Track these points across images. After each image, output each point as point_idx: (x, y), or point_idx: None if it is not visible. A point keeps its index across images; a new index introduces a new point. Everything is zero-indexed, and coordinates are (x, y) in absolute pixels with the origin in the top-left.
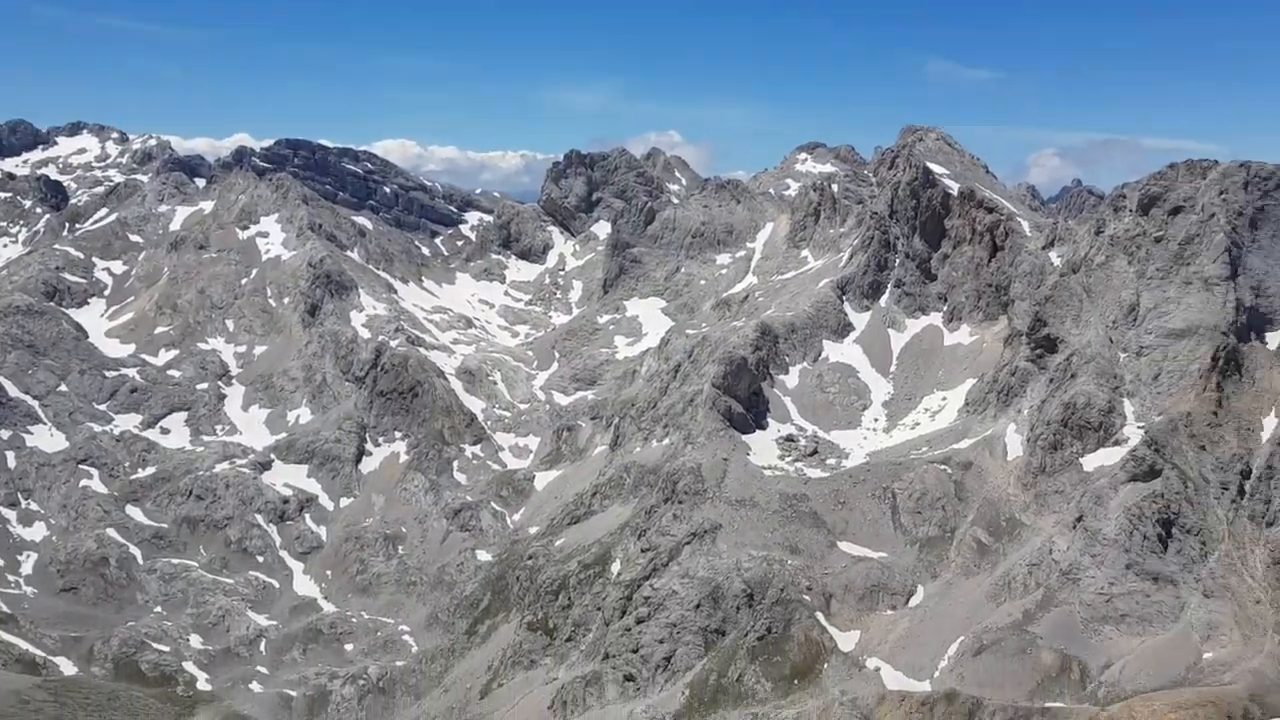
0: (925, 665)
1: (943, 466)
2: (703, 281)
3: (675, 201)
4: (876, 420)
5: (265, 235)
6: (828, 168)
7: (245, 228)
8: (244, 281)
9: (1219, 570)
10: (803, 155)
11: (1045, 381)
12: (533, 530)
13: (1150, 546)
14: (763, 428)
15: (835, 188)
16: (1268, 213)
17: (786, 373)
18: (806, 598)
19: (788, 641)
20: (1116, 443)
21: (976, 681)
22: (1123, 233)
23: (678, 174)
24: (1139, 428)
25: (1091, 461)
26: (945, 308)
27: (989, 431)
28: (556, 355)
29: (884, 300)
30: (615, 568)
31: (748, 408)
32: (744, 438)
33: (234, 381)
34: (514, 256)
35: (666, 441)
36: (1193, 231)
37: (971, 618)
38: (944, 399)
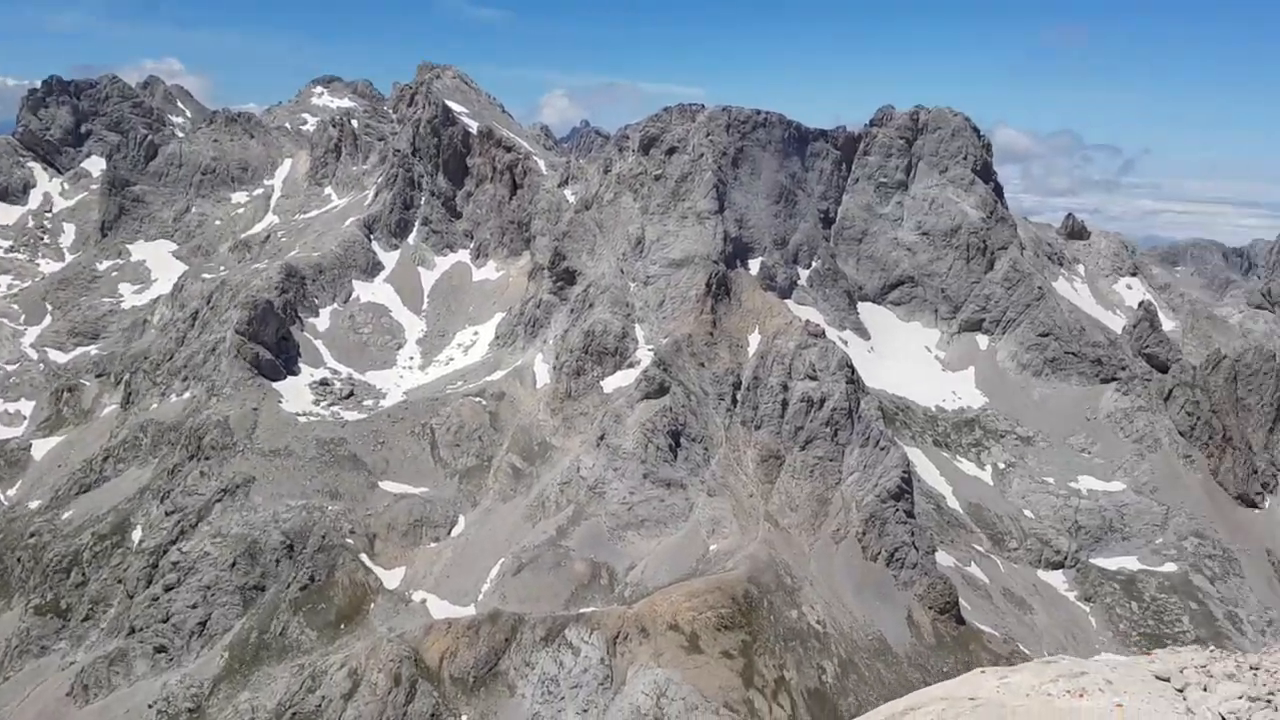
0: (470, 590)
1: (478, 399)
2: (218, 222)
3: (180, 135)
4: (412, 358)
5: None
6: (346, 103)
7: None
8: None
9: (719, 471)
10: (319, 89)
11: (567, 312)
12: (34, 505)
13: (663, 456)
14: (294, 373)
15: (355, 124)
16: (746, 153)
17: (317, 315)
18: (350, 541)
19: (332, 588)
20: (631, 365)
21: (518, 599)
22: (627, 171)
23: (181, 105)
24: (649, 350)
25: (611, 383)
26: (472, 244)
27: (519, 362)
28: (49, 308)
29: (412, 238)
30: (137, 535)
31: (277, 353)
32: (274, 385)
33: None
34: None
35: (188, 395)
36: (686, 170)
37: (511, 539)
38: (476, 333)
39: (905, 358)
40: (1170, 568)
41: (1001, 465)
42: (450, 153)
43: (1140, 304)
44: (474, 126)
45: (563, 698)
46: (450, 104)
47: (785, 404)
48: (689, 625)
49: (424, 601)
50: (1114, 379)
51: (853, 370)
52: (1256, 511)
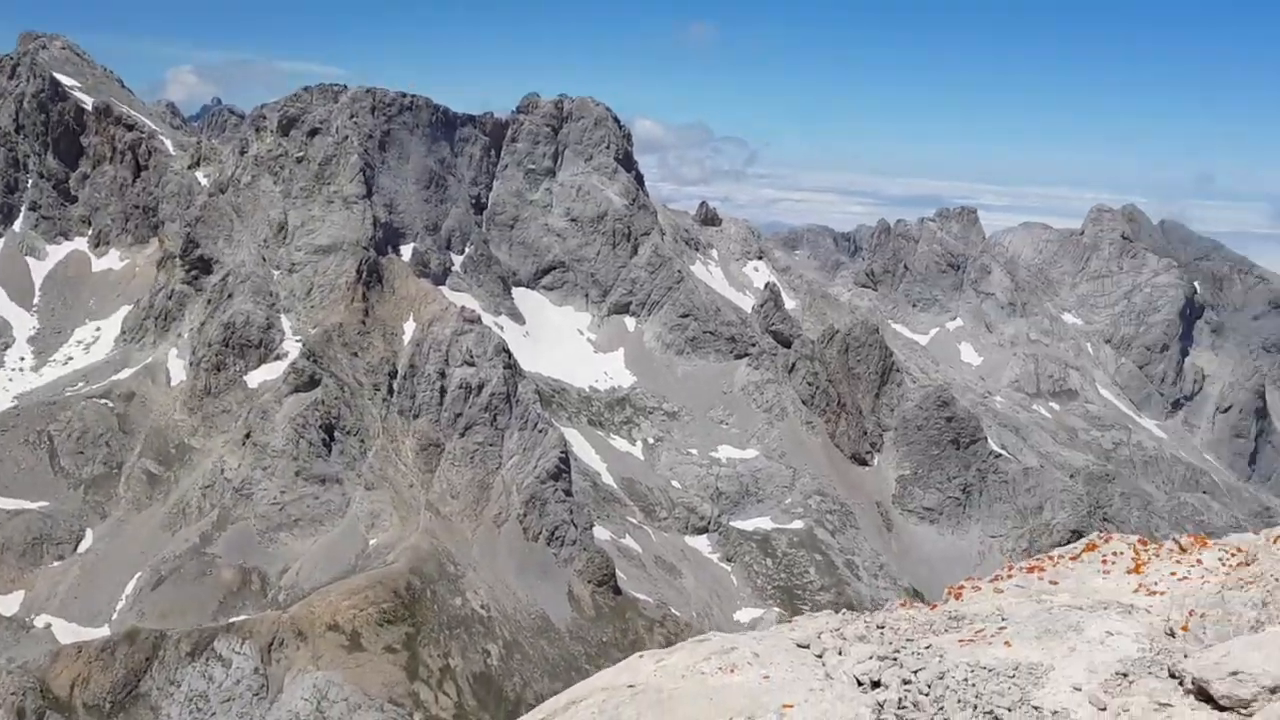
0: (103, 610)
1: (103, 400)
2: None
3: None
4: (23, 359)
5: None
6: None
7: None
8: None
9: (377, 463)
10: None
11: (204, 303)
12: None
13: (316, 451)
14: None
15: None
16: (394, 136)
17: None
18: None
19: None
20: (278, 357)
21: (159, 614)
22: (266, 153)
23: None
24: (297, 341)
25: (256, 378)
26: (91, 231)
27: (150, 359)
28: None
29: (19, 225)
30: None
31: None
32: None
33: None
34: None
35: None
36: (330, 152)
37: (148, 551)
38: (98, 329)
39: (559, 341)
40: (798, 524)
41: (651, 440)
42: (61, 130)
43: (766, 285)
44: (89, 102)
45: (214, 713)
46: (60, 77)
47: (443, 391)
48: (349, 624)
49: (49, 626)
50: (746, 354)
51: (510, 355)
52: (867, 469)
